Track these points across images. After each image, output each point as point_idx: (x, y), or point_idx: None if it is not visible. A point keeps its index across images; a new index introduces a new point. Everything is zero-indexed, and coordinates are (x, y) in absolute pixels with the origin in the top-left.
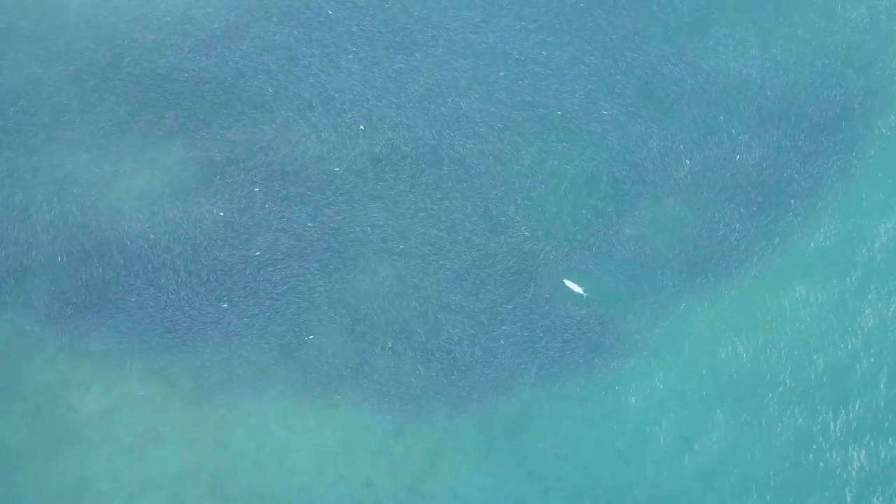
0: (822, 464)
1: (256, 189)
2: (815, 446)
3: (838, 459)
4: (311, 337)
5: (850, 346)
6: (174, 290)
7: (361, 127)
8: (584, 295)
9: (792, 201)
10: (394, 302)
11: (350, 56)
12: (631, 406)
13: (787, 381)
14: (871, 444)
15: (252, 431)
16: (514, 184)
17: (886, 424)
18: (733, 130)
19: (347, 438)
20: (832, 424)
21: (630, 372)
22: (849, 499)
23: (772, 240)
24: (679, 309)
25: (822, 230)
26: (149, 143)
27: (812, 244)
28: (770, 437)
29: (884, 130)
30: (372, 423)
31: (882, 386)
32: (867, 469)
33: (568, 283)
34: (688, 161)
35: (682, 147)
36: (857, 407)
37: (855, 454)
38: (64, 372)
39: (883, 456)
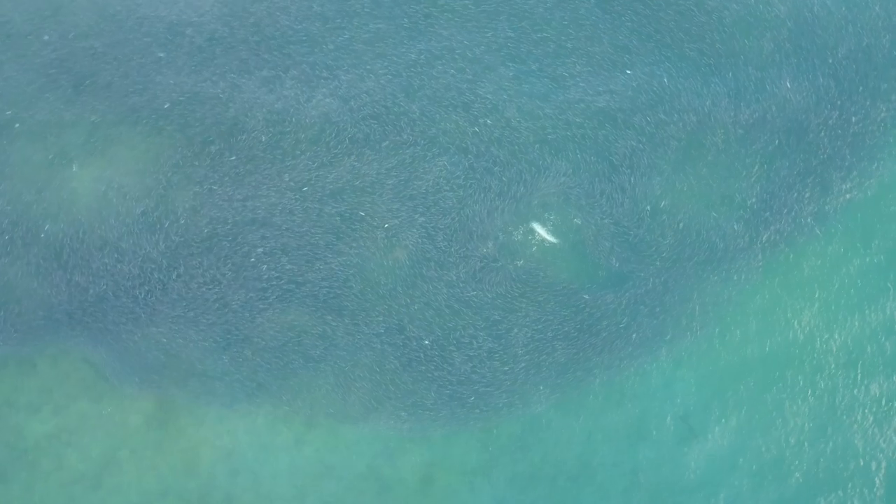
0: None
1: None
2: None
3: None
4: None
5: None
6: (130, 298)
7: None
8: (556, 241)
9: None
10: (379, 303)
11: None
12: (652, 419)
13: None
14: None
15: (222, 455)
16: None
17: None
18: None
19: (330, 460)
20: None
21: (651, 381)
22: None
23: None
24: (707, 312)
25: None
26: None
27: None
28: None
29: None
30: (357, 442)
31: None
32: None
33: (536, 226)
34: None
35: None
36: None
37: None
38: (8, 392)
39: None
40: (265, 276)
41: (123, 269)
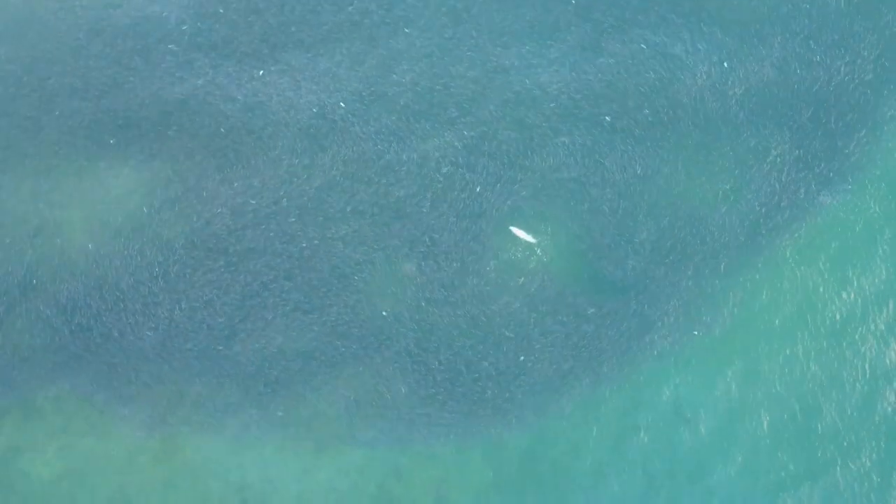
0: None
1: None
2: None
3: None
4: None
5: None
6: (135, 336)
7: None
8: (535, 241)
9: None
10: (386, 327)
11: None
12: (664, 425)
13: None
14: None
15: (233, 489)
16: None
17: None
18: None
19: (340, 485)
20: None
21: (663, 385)
22: None
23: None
24: (720, 311)
25: None
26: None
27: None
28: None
29: None
30: (367, 465)
31: None
32: None
33: (514, 230)
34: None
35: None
36: None
37: None
38: (13, 436)
39: None
40: (271, 305)
41: (126, 308)
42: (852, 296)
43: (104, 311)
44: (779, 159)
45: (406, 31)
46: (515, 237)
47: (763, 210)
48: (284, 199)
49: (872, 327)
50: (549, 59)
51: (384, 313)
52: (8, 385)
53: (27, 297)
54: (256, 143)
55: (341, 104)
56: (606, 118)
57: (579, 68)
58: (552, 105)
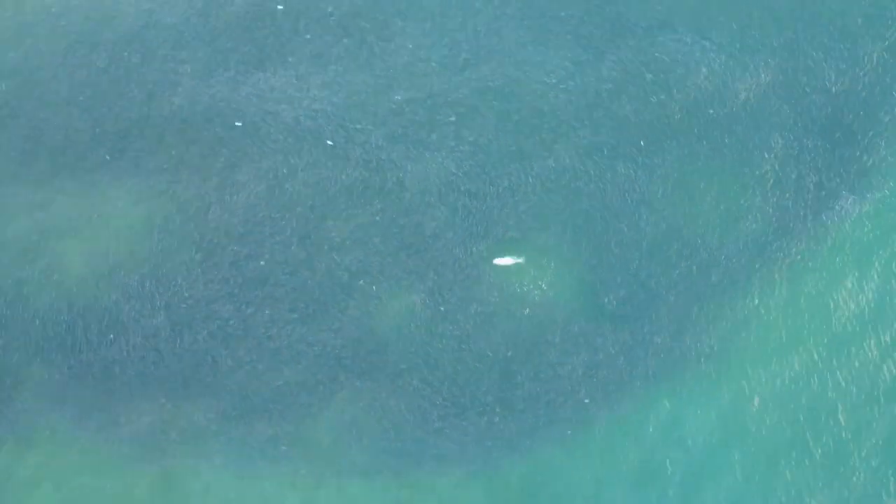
0: None
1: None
2: None
3: None
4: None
5: None
6: (136, 370)
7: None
8: (521, 260)
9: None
10: (391, 360)
11: None
12: (670, 457)
13: None
14: None
15: None
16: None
17: None
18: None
19: None
20: None
21: (670, 413)
22: None
23: None
24: (727, 337)
25: None
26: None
27: None
28: None
29: None
30: (366, 497)
31: None
32: None
33: (498, 261)
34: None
35: None
36: None
37: None
38: (7, 468)
39: None
40: (275, 336)
41: (127, 341)
42: (859, 315)
43: (103, 344)
44: (783, 178)
45: (409, 47)
46: (505, 267)
47: (769, 233)
48: (288, 229)
49: (874, 354)
50: (548, 83)
51: (388, 346)
52: (2, 416)
53: (24, 329)
54: (258, 170)
55: (341, 129)
56: (606, 141)
57: (580, 86)
58: (552, 126)
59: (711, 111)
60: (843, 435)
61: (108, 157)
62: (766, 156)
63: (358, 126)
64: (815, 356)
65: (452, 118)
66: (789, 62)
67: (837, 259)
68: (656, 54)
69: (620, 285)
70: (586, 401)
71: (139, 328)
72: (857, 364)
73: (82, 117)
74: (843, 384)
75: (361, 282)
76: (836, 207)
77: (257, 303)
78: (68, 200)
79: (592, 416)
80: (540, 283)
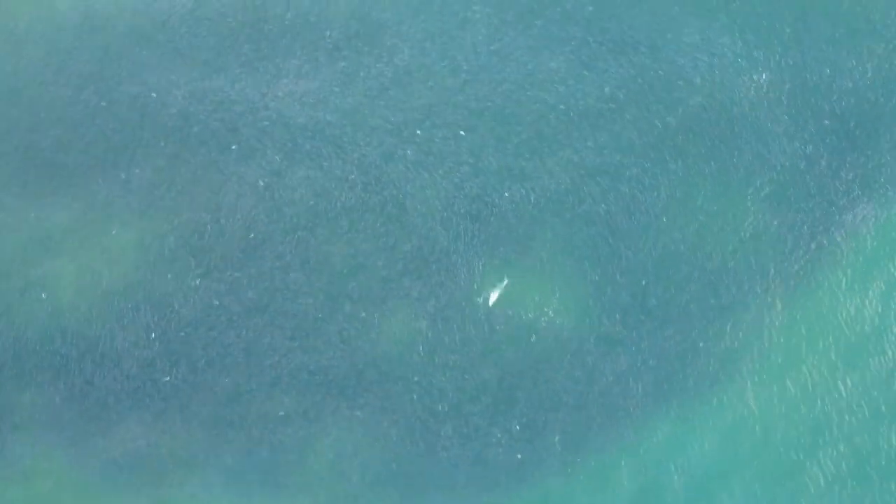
0: None
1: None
2: None
3: None
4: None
5: None
6: (132, 401)
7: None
8: (507, 282)
9: None
10: (395, 392)
11: None
12: (672, 483)
13: None
14: None
15: None
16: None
17: None
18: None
19: None
20: None
21: (679, 447)
22: None
23: None
24: (726, 369)
25: None
26: None
27: None
28: None
29: None
30: None
31: None
32: None
33: (492, 298)
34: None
35: None
36: None
37: None
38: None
39: None
40: (275, 365)
41: (122, 372)
42: (866, 334)
43: (98, 375)
44: (790, 195)
45: (407, 67)
46: (497, 296)
47: (776, 251)
48: (287, 253)
49: (883, 372)
50: (549, 103)
51: (390, 375)
52: None
53: (17, 360)
54: (255, 192)
55: (339, 150)
56: (610, 162)
57: (582, 106)
58: (554, 148)
59: (717, 129)
60: (851, 459)
61: (100, 181)
62: (774, 174)
63: (356, 146)
64: (821, 377)
65: (451, 138)
66: (796, 78)
67: (844, 277)
68: (660, 72)
69: (626, 310)
70: (592, 427)
71: (134, 356)
72: (864, 384)
73: (73, 139)
74: (852, 405)
75: (363, 311)
76: (845, 223)
77: (257, 330)
78: (59, 224)
79: (597, 443)
80: (546, 308)
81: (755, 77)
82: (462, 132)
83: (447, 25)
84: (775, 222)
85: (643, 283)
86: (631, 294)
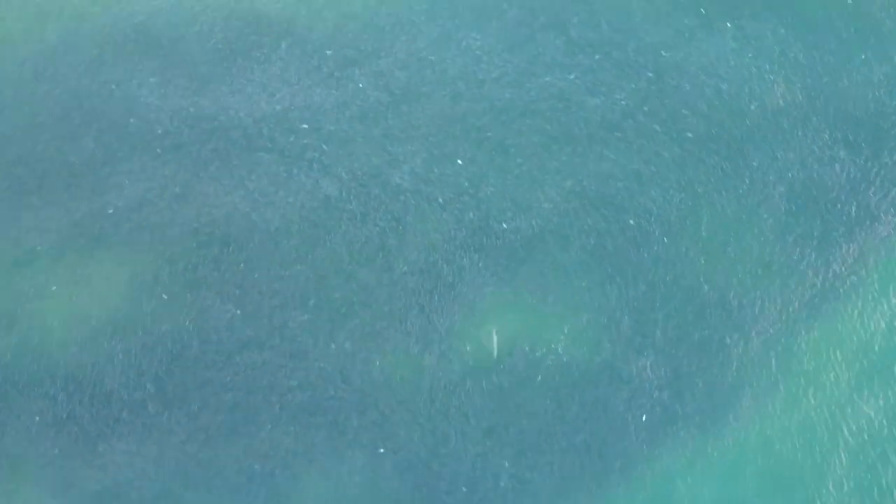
0: None
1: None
2: None
3: None
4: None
5: None
6: (123, 444)
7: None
8: (493, 334)
9: None
10: (397, 436)
11: None
12: None
13: None
14: None
15: None
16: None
17: None
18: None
19: None
20: None
21: (690, 487)
22: None
23: None
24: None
25: None
26: None
27: None
28: None
29: None
30: None
31: None
32: None
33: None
34: None
35: None
36: None
37: None
38: None
39: None
40: (274, 404)
41: (113, 415)
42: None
43: (88, 419)
44: (809, 226)
45: (405, 97)
46: (492, 344)
47: (795, 289)
48: (285, 289)
49: None
50: (552, 134)
51: (393, 419)
52: None
53: (4, 403)
54: (250, 224)
55: (336, 180)
56: (617, 194)
57: (586, 137)
58: (558, 179)
59: (726, 157)
60: (862, 495)
61: (88, 220)
62: (785, 202)
63: (353, 177)
64: (835, 408)
65: (450, 168)
66: (809, 103)
67: (858, 306)
68: (666, 101)
69: (638, 350)
70: (601, 473)
71: (126, 400)
72: (880, 417)
73: (57, 159)
74: (863, 439)
75: (365, 348)
76: (861, 249)
77: (255, 368)
78: (45, 260)
79: (608, 490)
80: (554, 346)
81: (766, 102)
82: (460, 161)
83: (446, 53)
84: (787, 251)
85: (654, 321)
86: (641, 333)
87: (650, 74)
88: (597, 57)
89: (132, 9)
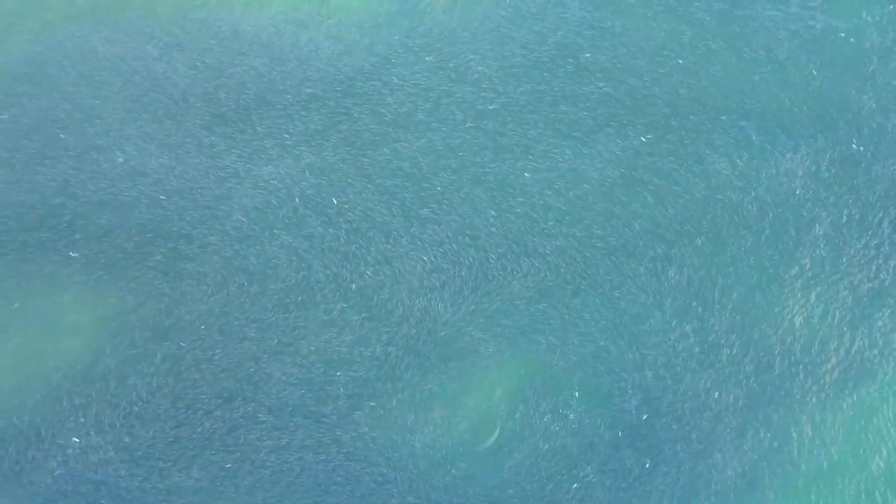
0: None
1: None
2: None
3: None
4: None
5: None
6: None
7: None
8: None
9: None
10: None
11: None
12: None
13: None
14: None
15: None
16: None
17: None
18: None
19: None
20: None
21: None
22: None
23: None
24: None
25: None
26: None
27: None
28: None
29: None
30: None
31: None
32: None
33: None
34: None
35: None
36: None
37: None
38: None
39: None
40: (259, 465)
41: (73, 475)
42: None
43: (42, 474)
44: (822, 282)
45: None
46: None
47: (804, 349)
48: (269, 338)
49: None
50: (557, 187)
51: (387, 486)
52: None
53: None
54: (229, 265)
55: (322, 216)
56: (624, 244)
57: (592, 189)
58: (569, 232)
59: (737, 213)
60: None
61: (50, 253)
62: (806, 261)
63: (344, 219)
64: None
65: (448, 212)
66: (825, 151)
67: (882, 388)
68: (667, 163)
69: (649, 411)
70: None
71: (86, 458)
72: None
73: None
74: None
75: (358, 408)
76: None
77: (237, 426)
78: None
79: None
80: (564, 412)
81: (782, 164)
82: (460, 203)
83: (442, 111)
84: (806, 311)
85: (666, 381)
86: (652, 394)
87: (653, 138)
88: (596, 107)
89: None
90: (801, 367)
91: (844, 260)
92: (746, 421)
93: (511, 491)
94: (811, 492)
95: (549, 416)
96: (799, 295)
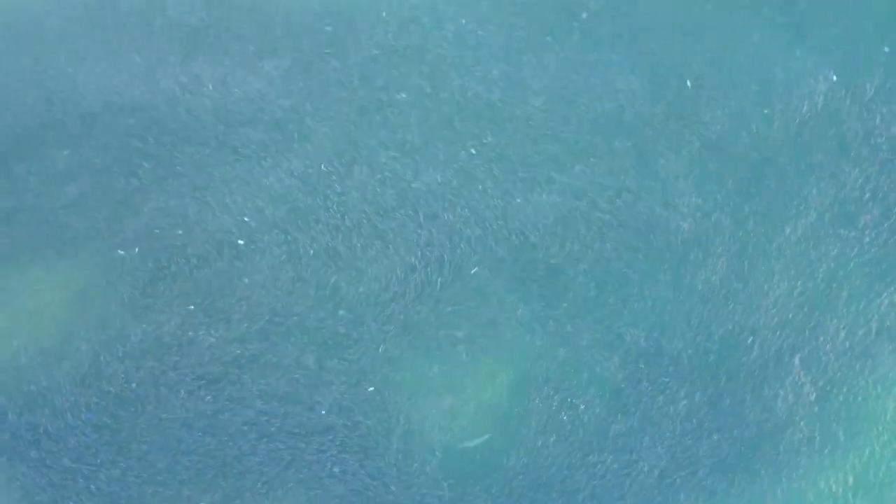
0: None
1: None
2: None
3: None
4: None
5: None
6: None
7: None
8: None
9: None
10: None
11: None
12: None
13: None
14: None
15: None
16: None
17: None
18: None
19: None
20: None
21: None
22: None
23: None
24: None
25: None
26: None
27: None
28: None
29: None
30: None
31: None
32: None
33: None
34: None
35: None
36: None
37: None
38: None
39: None
40: (264, 481)
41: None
42: None
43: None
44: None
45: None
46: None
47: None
48: (269, 355)
49: None
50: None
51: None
52: None
53: None
54: (218, 271)
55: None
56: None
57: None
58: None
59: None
60: None
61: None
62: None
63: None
64: None
65: (449, 249)
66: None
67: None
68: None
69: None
70: None
71: (64, 442)
72: None
73: None
74: None
75: (352, 398)
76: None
77: (222, 409)
78: None
79: None
80: (574, 401)
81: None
82: (461, 239)
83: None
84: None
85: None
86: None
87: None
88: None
89: None
90: None
91: None
92: None
93: (521, 478)
94: None
95: (558, 404)
96: None
